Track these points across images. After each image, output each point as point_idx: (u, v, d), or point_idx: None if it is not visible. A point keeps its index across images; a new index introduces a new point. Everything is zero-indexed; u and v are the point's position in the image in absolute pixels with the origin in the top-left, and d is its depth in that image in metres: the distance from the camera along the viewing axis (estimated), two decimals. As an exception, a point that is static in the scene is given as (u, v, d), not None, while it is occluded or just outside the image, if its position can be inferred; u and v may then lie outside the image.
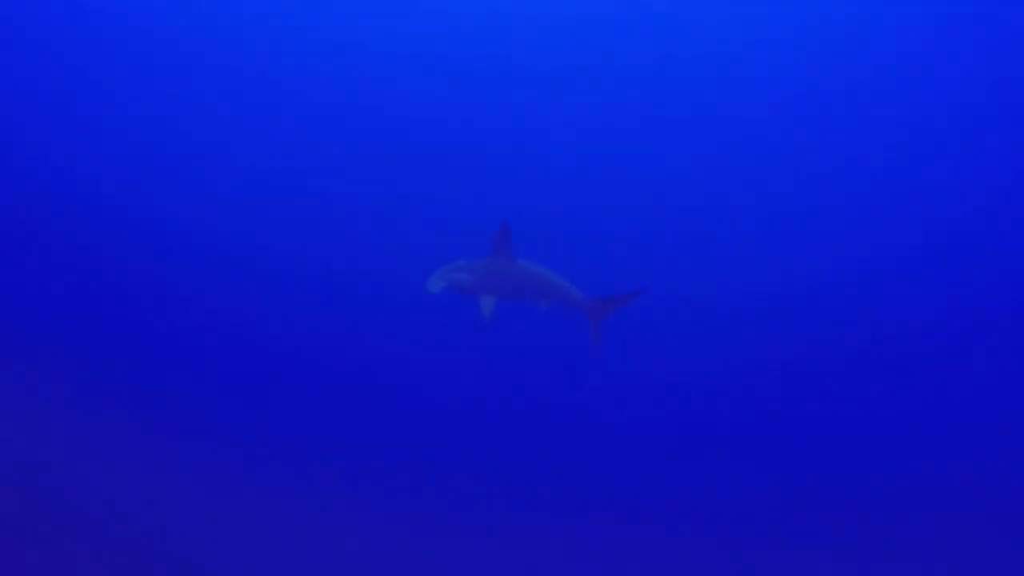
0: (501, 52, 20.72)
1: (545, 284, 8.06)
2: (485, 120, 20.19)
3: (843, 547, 10.43)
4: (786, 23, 20.29)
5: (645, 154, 19.93)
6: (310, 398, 12.46)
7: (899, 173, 19.50)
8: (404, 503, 10.30)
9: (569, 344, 14.51)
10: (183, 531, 8.51)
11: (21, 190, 16.61)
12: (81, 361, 11.84)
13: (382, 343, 14.33)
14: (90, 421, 10.30)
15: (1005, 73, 19.11)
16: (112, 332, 13.07)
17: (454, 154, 19.44)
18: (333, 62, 20.84)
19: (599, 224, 18.08)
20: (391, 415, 12.45)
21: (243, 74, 20.52)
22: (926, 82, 19.93)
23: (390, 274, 14.91)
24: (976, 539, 10.47)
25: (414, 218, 17.60)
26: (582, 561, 9.67)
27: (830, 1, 19.88)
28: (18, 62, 19.03)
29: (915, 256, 18.17)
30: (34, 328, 12.40)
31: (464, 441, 11.92)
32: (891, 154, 19.72)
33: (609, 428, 13.25)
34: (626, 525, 10.59)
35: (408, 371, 13.67)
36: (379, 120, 20.23)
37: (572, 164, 19.52)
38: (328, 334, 14.51)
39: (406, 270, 12.31)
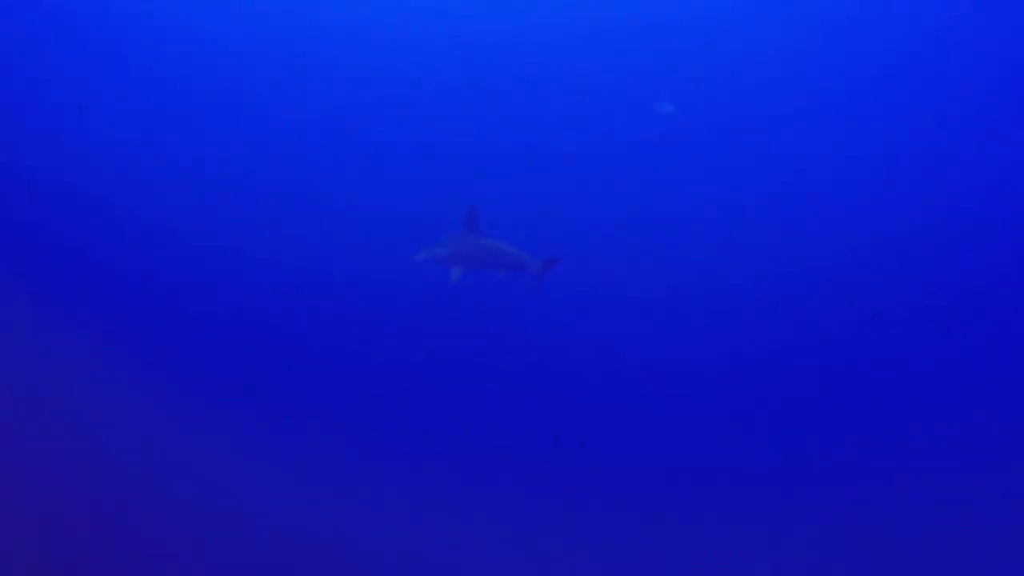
0: (484, 54, 21.10)
1: (502, 253, 9.92)
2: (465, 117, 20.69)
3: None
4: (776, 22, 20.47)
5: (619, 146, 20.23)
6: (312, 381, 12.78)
7: (896, 173, 19.55)
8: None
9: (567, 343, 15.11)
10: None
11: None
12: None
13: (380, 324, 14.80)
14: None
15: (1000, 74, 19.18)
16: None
17: (436, 152, 19.95)
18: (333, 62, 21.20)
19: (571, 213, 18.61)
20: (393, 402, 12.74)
21: (239, 72, 20.83)
22: (923, 82, 20.02)
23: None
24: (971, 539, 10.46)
25: (403, 205, 18.21)
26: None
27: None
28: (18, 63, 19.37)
29: (912, 257, 18.23)
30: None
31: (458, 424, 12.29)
32: (888, 155, 19.78)
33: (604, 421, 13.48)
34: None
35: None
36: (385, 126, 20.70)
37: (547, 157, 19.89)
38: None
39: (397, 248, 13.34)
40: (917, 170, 19.30)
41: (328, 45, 21.33)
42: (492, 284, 10.65)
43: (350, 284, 15.78)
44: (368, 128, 20.22)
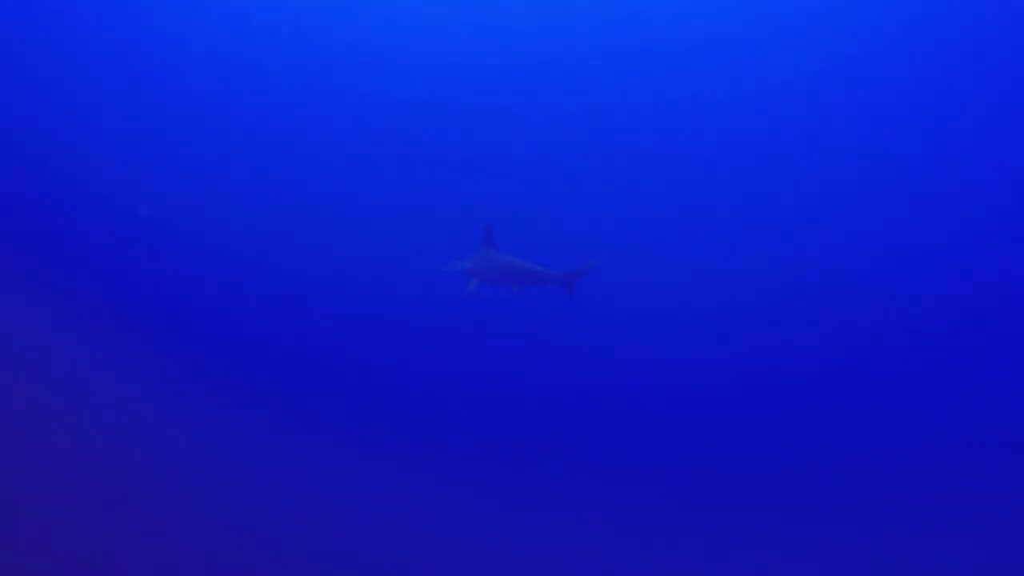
0: (495, 67, 21.25)
1: (519, 269, 10.33)
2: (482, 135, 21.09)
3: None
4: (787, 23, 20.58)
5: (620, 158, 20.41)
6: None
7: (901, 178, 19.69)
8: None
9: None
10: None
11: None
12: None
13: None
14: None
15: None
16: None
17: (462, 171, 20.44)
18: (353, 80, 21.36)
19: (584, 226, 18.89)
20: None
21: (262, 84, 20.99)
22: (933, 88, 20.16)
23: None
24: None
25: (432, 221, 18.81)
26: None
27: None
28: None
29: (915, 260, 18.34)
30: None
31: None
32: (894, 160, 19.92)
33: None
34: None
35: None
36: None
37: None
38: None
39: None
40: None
41: (363, 70, 21.57)
42: (505, 294, 10.83)
43: (376, 292, 16.00)
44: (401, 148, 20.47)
